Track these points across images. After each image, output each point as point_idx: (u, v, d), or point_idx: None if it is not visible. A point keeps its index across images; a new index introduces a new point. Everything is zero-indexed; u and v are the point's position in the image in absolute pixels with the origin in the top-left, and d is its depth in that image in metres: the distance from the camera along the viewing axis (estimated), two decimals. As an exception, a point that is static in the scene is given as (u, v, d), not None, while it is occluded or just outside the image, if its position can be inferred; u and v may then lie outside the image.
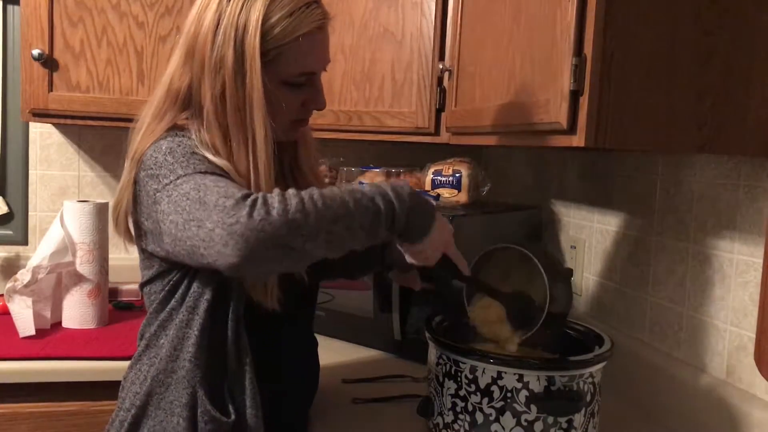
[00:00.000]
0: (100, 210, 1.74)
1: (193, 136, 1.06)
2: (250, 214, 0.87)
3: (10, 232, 2.11)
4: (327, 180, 1.95)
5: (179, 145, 1.03)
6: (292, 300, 1.12)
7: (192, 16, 1.09)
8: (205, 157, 1.02)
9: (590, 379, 1.09)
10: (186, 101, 1.09)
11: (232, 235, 0.86)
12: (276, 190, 0.92)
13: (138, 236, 1.10)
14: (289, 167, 1.21)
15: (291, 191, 0.92)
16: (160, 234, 1.00)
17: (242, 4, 1.04)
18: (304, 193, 0.92)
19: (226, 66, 1.03)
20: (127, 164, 1.10)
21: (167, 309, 1.09)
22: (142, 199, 1.03)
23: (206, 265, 0.91)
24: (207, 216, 0.89)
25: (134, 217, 1.08)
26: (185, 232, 0.92)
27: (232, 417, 1.06)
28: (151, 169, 1.02)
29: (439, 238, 1.04)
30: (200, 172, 0.97)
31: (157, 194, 0.99)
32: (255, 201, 0.89)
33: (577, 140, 1.03)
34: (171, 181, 0.97)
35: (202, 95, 1.06)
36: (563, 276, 1.21)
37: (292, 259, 0.90)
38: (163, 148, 1.03)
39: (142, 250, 1.12)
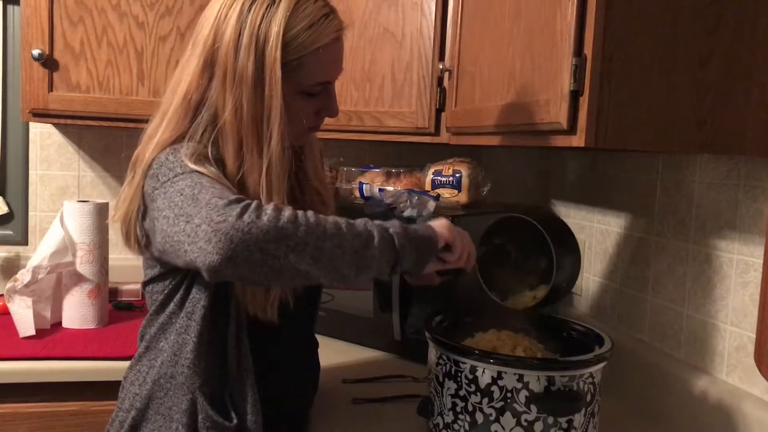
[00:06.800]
0: (100, 210, 1.74)
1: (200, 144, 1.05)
2: (240, 215, 0.87)
3: (10, 232, 2.11)
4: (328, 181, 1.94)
5: (183, 146, 1.03)
6: (295, 301, 1.12)
7: (208, 27, 1.07)
8: (206, 162, 1.02)
9: (590, 379, 1.09)
10: (202, 111, 1.08)
11: (217, 233, 0.85)
12: (272, 203, 0.92)
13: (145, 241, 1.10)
14: (293, 171, 1.19)
15: (288, 207, 0.93)
16: (154, 232, 1.00)
17: (263, 16, 1.04)
18: (299, 211, 0.93)
19: (246, 77, 1.03)
20: (131, 172, 1.10)
21: (166, 312, 1.09)
22: (146, 202, 1.04)
23: (189, 263, 0.90)
24: (197, 212, 0.89)
25: (141, 223, 1.07)
26: (174, 227, 0.91)
27: (234, 421, 1.07)
28: (152, 169, 1.03)
29: (460, 241, 1.07)
30: (198, 172, 0.98)
31: (155, 192, 0.99)
32: (248, 205, 0.89)
33: (577, 140, 1.03)
34: (169, 179, 0.98)
35: (220, 106, 1.05)
36: (571, 250, 1.22)
37: (274, 269, 0.88)
38: (168, 149, 1.04)
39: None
